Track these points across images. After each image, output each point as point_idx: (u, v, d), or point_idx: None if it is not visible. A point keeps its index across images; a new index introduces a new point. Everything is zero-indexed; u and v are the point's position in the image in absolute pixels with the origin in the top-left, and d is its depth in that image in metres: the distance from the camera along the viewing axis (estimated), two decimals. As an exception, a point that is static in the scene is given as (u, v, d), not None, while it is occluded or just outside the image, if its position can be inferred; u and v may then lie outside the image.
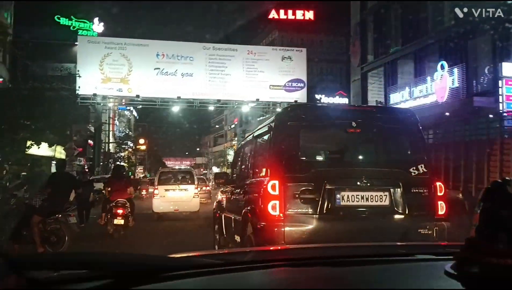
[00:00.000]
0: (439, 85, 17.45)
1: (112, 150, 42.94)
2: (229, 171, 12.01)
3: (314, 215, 4.43)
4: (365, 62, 25.04)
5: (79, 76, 25.37)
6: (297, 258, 1.54)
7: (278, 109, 33.38)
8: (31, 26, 31.38)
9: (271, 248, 2.75)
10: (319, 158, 5.13)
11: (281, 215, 4.39)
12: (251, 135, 6.25)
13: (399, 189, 4.62)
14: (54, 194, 7.57)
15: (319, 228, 4.42)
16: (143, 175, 55.36)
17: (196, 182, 15.33)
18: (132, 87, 29.35)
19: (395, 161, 5.08)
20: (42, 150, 25.38)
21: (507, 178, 1.13)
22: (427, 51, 19.90)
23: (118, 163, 33.65)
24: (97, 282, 1.15)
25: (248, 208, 5.06)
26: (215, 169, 58.79)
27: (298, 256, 1.61)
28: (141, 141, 69.46)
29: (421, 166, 4.76)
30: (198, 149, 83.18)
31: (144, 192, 28.98)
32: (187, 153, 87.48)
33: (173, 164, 74.36)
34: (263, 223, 4.46)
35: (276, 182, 4.41)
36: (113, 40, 29.84)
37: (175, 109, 31.98)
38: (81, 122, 33.56)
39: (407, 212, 4.59)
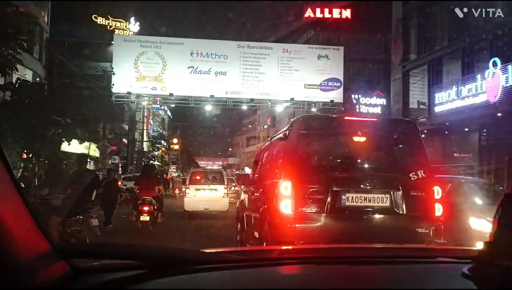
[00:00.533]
0: (490, 84, 16.10)
1: (146, 149, 42.97)
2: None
3: (322, 214, 4.94)
4: (407, 60, 23.72)
5: (114, 74, 25.11)
6: (320, 257, 1.59)
7: (313, 109, 32.52)
8: (68, 25, 31.75)
9: (297, 247, 2.83)
10: (327, 163, 5.67)
11: (292, 213, 4.91)
12: (269, 141, 6.99)
13: (399, 192, 5.12)
14: (75, 193, 7.06)
15: (326, 225, 4.94)
16: (176, 174, 55.42)
17: (226, 182, 15.56)
18: (166, 85, 29.06)
19: (396, 167, 5.64)
20: (75, 147, 25.42)
21: None
22: (476, 48, 18.51)
23: (147, 162, 33.59)
24: (135, 271, 1.23)
25: (265, 206, 5.59)
26: (247, 170, 58.29)
27: (322, 255, 1.65)
28: (175, 140, 69.98)
29: (420, 172, 5.26)
30: (230, 149, 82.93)
31: (177, 191, 28.69)
32: (219, 153, 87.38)
33: (205, 164, 74.25)
34: (277, 220, 5.00)
35: (289, 183, 4.93)
36: (148, 39, 29.65)
37: (208, 108, 31.51)
38: (115, 120, 33.73)
39: (405, 213, 5.09)
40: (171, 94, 28.87)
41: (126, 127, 37.05)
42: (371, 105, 39.40)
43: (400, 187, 5.13)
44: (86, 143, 25.25)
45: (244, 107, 32.55)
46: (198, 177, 15.89)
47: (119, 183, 20.31)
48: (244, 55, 29.79)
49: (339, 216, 5.04)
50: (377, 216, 5.16)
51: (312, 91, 30.28)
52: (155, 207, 10.41)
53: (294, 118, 6.14)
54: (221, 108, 35.58)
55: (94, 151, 29.84)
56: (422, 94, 22.57)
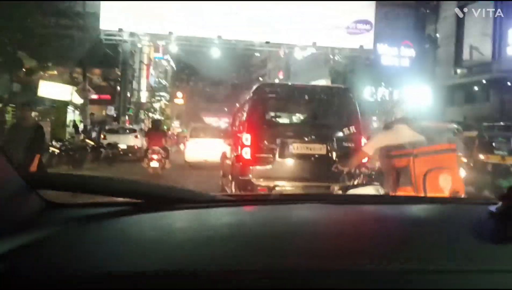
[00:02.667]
0: None
1: (144, 100, 38.46)
2: None
3: (274, 159, 6.52)
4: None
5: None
6: (300, 195, 1.84)
7: (337, 57, 27.68)
8: None
9: (287, 193, 3.47)
10: (279, 121, 7.56)
11: (251, 158, 6.44)
12: (240, 104, 9.20)
13: (333, 143, 6.65)
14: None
15: (276, 167, 6.55)
16: (180, 130, 51.35)
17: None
18: (165, 22, 24.14)
19: (332, 123, 7.02)
20: (56, 93, 20.99)
21: None
22: None
23: (156, 118, 31.00)
24: (119, 207, 1.15)
25: (234, 153, 7.21)
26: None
27: (302, 197, 1.75)
28: (179, 94, 65.51)
29: (352, 127, 6.70)
30: (237, 105, 78.29)
31: (182, 146, 24.85)
32: (225, 109, 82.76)
33: (211, 120, 70.35)
34: (240, 163, 6.55)
35: (249, 135, 6.48)
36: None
37: (215, 53, 26.57)
38: (105, 64, 29.06)
39: (337, 159, 6.39)
40: (170, 33, 23.98)
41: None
42: (399, 56, 34.55)
43: (334, 139, 6.66)
44: (68, 88, 20.87)
45: (257, 54, 27.44)
46: (198, 132, 16.78)
47: (102, 136, 16.12)
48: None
49: (286, 161, 6.59)
50: (316, 160, 6.60)
51: (338, 34, 25.28)
52: (163, 155, 11.79)
53: (255, 86, 7.42)
54: (229, 56, 30.82)
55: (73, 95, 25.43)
56: (483, 36, 17.69)
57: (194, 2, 24.20)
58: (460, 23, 18.44)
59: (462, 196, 3.68)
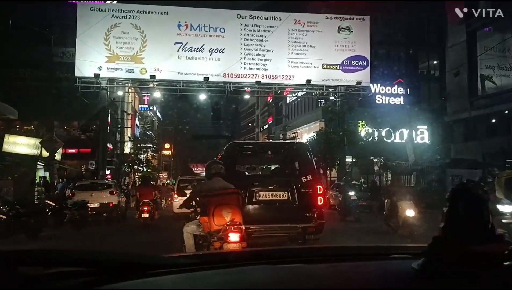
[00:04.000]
0: None
1: (128, 152, 35.84)
2: None
3: (244, 205, 6.71)
4: (472, 16, 16.87)
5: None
6: (275, 257, 1.56)
7: (332, 98, 25.73)
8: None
9: (251, 250, 2.86)
10: (248, 172, 8.96)
11: None
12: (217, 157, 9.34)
13: (294, 190, 7.44)
14: None
15: (247, 211, 6.91)
16: (168, 182, 48.59)
17: None
18: (146, 66, 22.12)
19: (292, 173, 8.02)
20: (23, 148, 18.41)
21: (470, 180, 1.17)
22: None
23: (145, 173, 30.19)
24: (86, 278, 1.17)
25: None
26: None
27: (277, 255, 1.63)
28: (166, 146, 63.16)
29: (309, 176, 7.58)
30: (222, 152, 75.99)
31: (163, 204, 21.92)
32: (215, 158, 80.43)
33: (200, 170, 68.10)
34: None
35: None
36: (122, 7, 22.65)
37: (201, 101, 24.50)
38: (87, 116, 26.73)
39: (297, 203, 7.39)
40: (152, 77, 21.83)
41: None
42: (392, 95, 32.90)
43: (294, 187, 7.42)
44: (35, 141, 18.30)
45: (247, 96, 25.39)
46: (184, 184, 17.05)
47: (70, 194, 13.45)
48: (246, 27, 22.97)
49: (254, 206, 7.38)
50: (279, 205, 7.44)
51: (332, 72, 23.44)
52: (152, 207, 13.08)
53: (227, 144, 8.69)
54: (215, 97, 28.82)
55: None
56: (499, 61, 15.77)
57: (177, 45, 22.33)
58: (472, 51, 16.58)
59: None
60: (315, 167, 7.92)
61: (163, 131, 64.50)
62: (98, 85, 22.23)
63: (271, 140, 47.31)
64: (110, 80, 22.63)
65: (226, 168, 6.58)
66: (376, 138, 30.94)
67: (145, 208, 12.52)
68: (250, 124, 59.65)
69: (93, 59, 21.73)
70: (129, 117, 34.67)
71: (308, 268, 1.40)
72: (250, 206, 7.18)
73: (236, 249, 2.59)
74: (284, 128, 34.34)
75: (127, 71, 22.17)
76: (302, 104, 36.43)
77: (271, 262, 1.44)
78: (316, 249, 1.96)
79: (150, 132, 46.08)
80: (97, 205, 13.52)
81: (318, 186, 7.48)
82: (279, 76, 23.05)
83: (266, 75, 22.88)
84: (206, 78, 21.99)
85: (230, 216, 5.17)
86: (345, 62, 23.49)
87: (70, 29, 22.99)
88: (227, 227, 5.09)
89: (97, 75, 21.50)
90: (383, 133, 30.59)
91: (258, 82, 22.61)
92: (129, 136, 33.91)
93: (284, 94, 30.60)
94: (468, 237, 1.06)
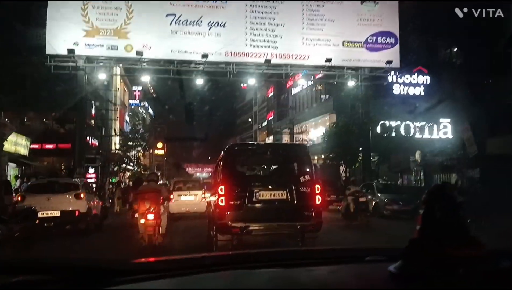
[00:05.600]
0: None
1: (116, 149, 31.58)
2: None
3: (244, 204, 7.23)
4: None
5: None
6: (251, 261, 1.57)
7: (351, 83, 21.74)
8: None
9: (226, 253, 2.70)
10: (248, 172, 8.64)
11: (225, 204, 7.19)
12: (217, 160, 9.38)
13: (292, 189, 7.40)
14: None
15: (247, 211, 7.23)
16: (161, 182, 44.29)
17: (203, 188, 16.36)
18: (133, 42, 18.00)
19: (291, 173, 8.01)
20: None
21: (447, 181, 1.50)
22: None
23: (137, 175, 27.50)
24: (54, 286, 1.14)
25: (213, 202, 8.02)
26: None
27: (252, 259, 1.63)
28: (159, 145, 58.91)
29: (307, 176, 7.62)
30: (222, 153, 71.83)
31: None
32: (209, 158, 76.29)
33: (194, 170, 64.24)
34: (217, 210, 7.33)
35: (223, 186, 7.26)
36: (103, -29, 18.42)
37: (199, 82, 20.35)
38: (65, 104, 22.47)
39: (296, 202, 7.37)
40: (139, 53, 17.66)
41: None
42: (411, 84, 29.05)
43: (293, 186, 7.39)
44: None
45: (252, 80, 21.28)
46: (179, 185, 17.32)
47: (17, 199, 9.28)
48: (251, -3, 18.92)
49: (255, 205, 7.29)
50: (278, 204, 7.35)
51: (355, 51, 19.46)
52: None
53: (226, 147, 8.52)
54: (212, 96, 24.79)
55: (25, 147, 18.63)
56: None
57: (169, 17, 18.23)
58: None
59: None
60: (313, 167, 8.02)
61: (155, 129, 60.22)
62: (74, 64, 18.03)
63: (269, 141, 43.19)
64: (89, 59, 18.46)
65: (226, 168, 7.34)
66: (394, 133, 27.01)
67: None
68: (250, 120, 55.51)
69: (68, 33, 17.61)
70: (117, 108, 30.29)
71: (284, 272, 1.37)
72: (250, 205, 7.28)
73: (212, 254, 2.33)
74: (291, 121, 30.33)
75: (109, 48, 18.04)
76: (309, 96, 32.43)
77: (246, 267, 1.43)
78: (292, 252, 1.90)
79: (141, 129, 41.45)
80: (55, 213, 9.33)
81: (316, 186, 7.57)
82: (292, 55, 19.03)
83: (276, 54, 18.85)
84: (205, 56, 17.86)
85: (149, 205, 8.27)
86: (370, 39, 19.54)
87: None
88: (146, 211, 8.20)
89: (71, 51, 17.31)
90: (407, 127, 26.31)
91: (267, 62, 18.52)
92: (115, 131, 29.49)
93: (289, 83, 26.45)
94: (444, 239, 1.05)
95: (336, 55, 19.06)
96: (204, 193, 16.79)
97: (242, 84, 70.88)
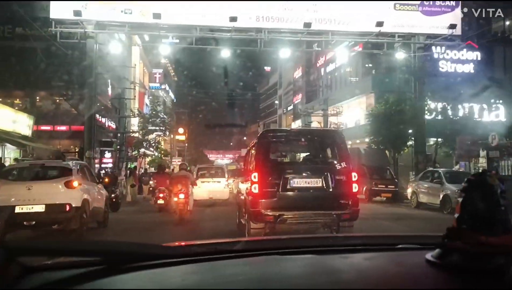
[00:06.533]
0: None
1: (136, 130, 29.20)
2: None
3: (278, 192, 6.97)
4: None
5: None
6: (283, 247, 1.51)
7: (399, 55, 18.61)
8: None
9: (260, 238, 2.89)
10: (281, 160, 8.71)
11: (259, 192, 6.95)
12: (249, 147, 9.76)
13: (328, 176, 7.11)
14: None
15: (280, 199, 6.96)
16: (189, 168, 41.70)
17: (226, 176, 16.85)
18: (148, 5, 15.22)
19: (327, 160, 7.77)
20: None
21: (487, 169, 1.22)
22: None
23: (161, 162, 24.44)
24: (91, 268, 1.15)
25: (246, 189, 7.67)
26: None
27: (284, 245, 1.58)
28: (180, 130, 56.67)
29: (343, 163, 7.29)
30: (245, 138, 69.01)
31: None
32: (231, 144, 73.78)
33: (215, 157, 62.11)
34: (250, 197, 7.09)
35: (257, 173, 7.02)
36: None
37: (225, 54, 17.52)
38: (77, 80, 20.02)
39: (331, 190, 7.07)
40: (156, 16, 14.88)
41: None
42: (459, 61, 25.67)
43: (328, 174, 7.10)
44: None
45: (285, 52, 18.34)
46: (203, 172, 17.05)
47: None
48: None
49: (288, 193, 7.05)
50: (313, 192, 7.10)
51: (408, 15, 16.27)
52: (167, 194, 12.46)
53: (259, 133, 9.04)
54: (236, 76, 22.12)
55: (28, 127, 16.28)
56: None
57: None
58: None
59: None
60: (348, 153, 7.77)
61: (176, 114, 57.79)
62: (83, 30, 15.42)
63: (297, 125, 40.25)
64: (100, 26, 15.79)
65: (260, 155, 7.20)
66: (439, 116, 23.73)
67: (161, 195, 12.80)
68: (277, 102, 52.46)
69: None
70: (134, 87, 27.71)
71: (319, 259, 1.35)
72: (284, 193, 7.02)
73: (244, 239, 1.85)
74: (325, 101, 27.23)
75: (122, 11, 15.34)
76: (344, 74, 29.21)
77: (281, 253, 1.41)
78: (324, 239, 1.82)
79: (162, 113, 38.66)
80: (38, 208, 6.73)
81: (353, 173, 7.23)
82: (334, 20, 15.98)
83: (315, 19, 15.83)
84: (233, 19, 14.97)
85: (180, 187, 10.31)
86: (427, 1, 16.31)
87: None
88: (178, 192, 10.22)
89: (77, 13, 14.69)
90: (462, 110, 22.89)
91: (306, 26, 15.50)
92: (132, 111, 26.91)
93: (321, 61, 23.32)
94: (482, 228, 1.03)
95: (386, 20, 15.94)
96: (228, 180, 17.17)
97: (265, 68, 68.00)
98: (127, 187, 16.76)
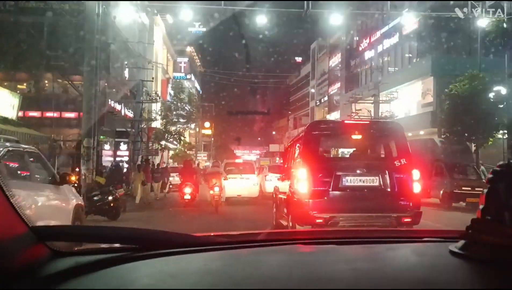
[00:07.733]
0: None
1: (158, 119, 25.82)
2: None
3: (329, 191, 6.36)
4: None
5: None
6: (309, 238, 1.56)
7: (481, 22, 14.30)
8: None
9: (286, 230, 3.05)
10: (332, 155, 7.89)
11: (308, 191, 6.36)
12: (292, 140, 8.91)
13: (385, 175, 6.50)
14: None
15: (331, 199, 6.35)
16: (208, 163, 38.85)
17: (256, 172, 16.66)
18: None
19: (384, 156, 7.24)
20: None
21: None
22: None
23: (187, 158, 22.90)
24: (119, 253, 1.17)
25: (290, 188, 7.16)
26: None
27: (310, 236, 1.61)
28: (207, 124, 53.63)
29: (403, 160, 6.61)
30: (274, 133, 65.28)
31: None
32: (259, 138, 70.21)
33: (241, 152, 59.06)
34: (296, 197, 6.61)
35: (305, 169, 6.45)
36: None
37: (261, 20, 13.72)
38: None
39: (390, 190, 6.45)
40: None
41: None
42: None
43: (386, 171, 6.47)
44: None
45: (336, 18, 14.40)
46: (230, 168, 16.49)
47: None
48: None
49: (340, 193, 6.40)
50: (369, 192, 6.43)
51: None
52: (193, 189, 13.31)
53: (309, 124, 8.41)
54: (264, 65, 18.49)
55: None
56: None
57: None
58: None
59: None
60: (409, 149, 6.87)
61: (202, 107, 54.56)
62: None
63: (331, 117, 36.41)
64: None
65: (308, 149, 6.61)
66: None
67: (187, 190, 13.21)
68: (312, 90, 48.38)
69: None
70: (153, 66, 24.11)
71: (340, 249, 1.35)
72: (335, 193, 6.39)
73: (272, 231, 2.18)
74: (376, 85, 23.02)
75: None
76: (395, 56, 24.98)
77: (303, 243, 1.42)
78: (348, 231, 1.87)
79: (186, 104, 35.03)
80: None
81: (414, 171, 6.51)
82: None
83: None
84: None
85: (215, 181, 12.12)
86: None
87: None
88: (213, 185, 11.94)
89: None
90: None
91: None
92: (149, 95, 23.20)
93: (364, 45, 19.07)
94: (508, 220, 1.00)
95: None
96: (259, 176, 16.88)
97: (296, 58, 64.12)
98: (136, 186, 13.21)
